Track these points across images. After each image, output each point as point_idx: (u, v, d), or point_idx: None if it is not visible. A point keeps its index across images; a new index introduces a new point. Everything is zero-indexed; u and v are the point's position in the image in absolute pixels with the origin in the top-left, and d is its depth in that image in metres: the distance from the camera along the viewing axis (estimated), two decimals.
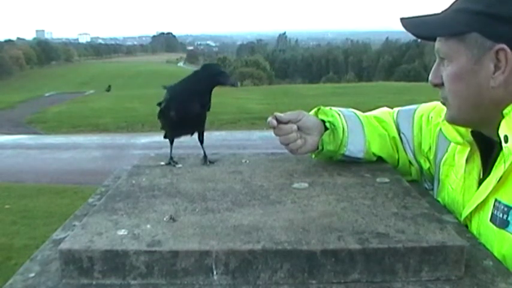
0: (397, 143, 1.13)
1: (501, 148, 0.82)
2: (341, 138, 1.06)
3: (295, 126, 1.04)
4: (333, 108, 1.12)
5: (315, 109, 1.11)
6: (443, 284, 0.67)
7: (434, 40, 0.89)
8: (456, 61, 0.85)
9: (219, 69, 1.05)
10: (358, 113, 1.15)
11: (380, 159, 1.11)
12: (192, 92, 1.05)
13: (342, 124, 1.07)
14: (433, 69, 0.92)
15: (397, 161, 1.13)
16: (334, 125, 1.07)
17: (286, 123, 1.04)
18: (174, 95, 1.07)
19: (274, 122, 1.03)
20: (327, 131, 1.07)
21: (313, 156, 1.11)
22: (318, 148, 1.07)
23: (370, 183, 0.96)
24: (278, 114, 1.04)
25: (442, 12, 0.89)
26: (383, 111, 1.19)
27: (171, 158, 1.11)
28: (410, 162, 1.13)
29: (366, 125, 1.11)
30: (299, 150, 1.05)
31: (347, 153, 1.07)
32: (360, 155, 1.09)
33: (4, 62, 71.19)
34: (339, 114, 1.09)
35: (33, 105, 18.40)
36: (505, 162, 0.80)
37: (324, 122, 1.08)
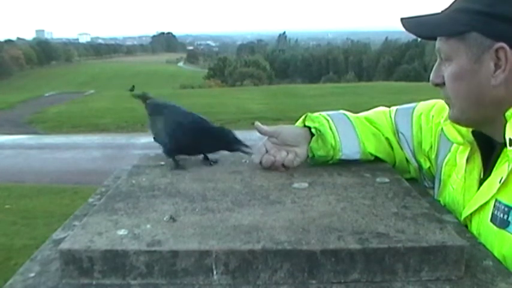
0: (391, 142, 1.12)
1: (502, 148, 0.82)
2: (332, 143, 1.06)
3: (272, 152, 1.05)
4: (322, 113, 1.11)
5: (303, 117, 1.11)
6: (443, 284, 0.67)
7: (435, 39, 0.90)
8: (456, 60, 0.85)
9: (233, 137, 1.06)
10: (349, 114, 1.14)
11: (378, 159, 1.11)
12: (198, 149, 1.09)
13: (331, 128, 1.07)
14: (434, 68, 0.92)
15: (394, 159, 1.13)
16: (320, 131, 1.07)
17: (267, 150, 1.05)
18: (178, 143, 1.08)
19: (257, 161, 1.05)
20: (314, 137, 1.07)
21: (309, 161, 1.10)
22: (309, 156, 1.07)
23: (370, 183, 0.96)
24: (258, 124, 1.06)
25: (442, 11, 0.90)
26: (377, 111, 1.18)
27: (175, 159, 1.10)
28: (408, 160, 1.13)
29: (357, 126, 1.10)
30: (293, 164, 1.05)
31: (343, 157, 1.07)
32: (357, 157, 1.09)
33: (4, 62, 71.18)
34: (327, 120, 1.09)
35: (33, 105, 18.38)
36: (509, 164, 0.80)
37: (310, 128, 1.08)
